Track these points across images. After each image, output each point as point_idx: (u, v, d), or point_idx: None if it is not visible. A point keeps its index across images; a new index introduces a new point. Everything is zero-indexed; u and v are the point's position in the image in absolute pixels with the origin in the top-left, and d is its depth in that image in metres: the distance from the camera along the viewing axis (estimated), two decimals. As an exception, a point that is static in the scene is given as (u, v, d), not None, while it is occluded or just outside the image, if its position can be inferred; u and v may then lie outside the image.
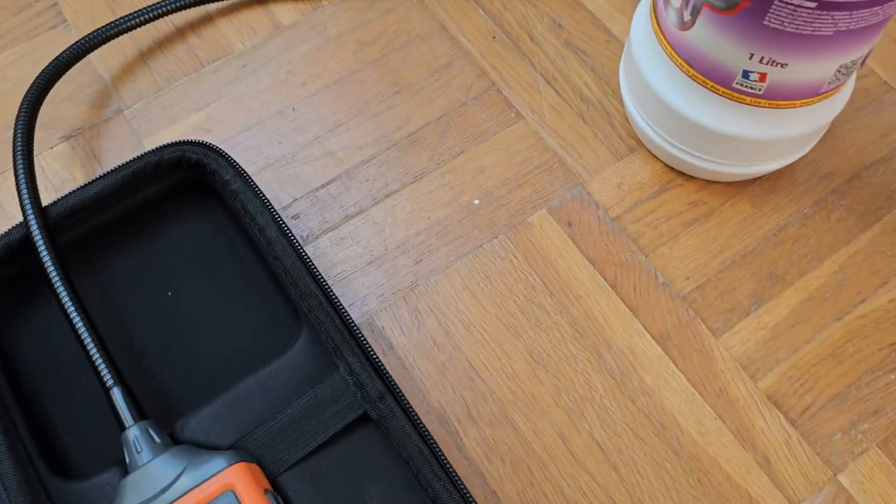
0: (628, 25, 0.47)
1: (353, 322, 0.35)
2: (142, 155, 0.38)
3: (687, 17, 0.35)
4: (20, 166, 0.38)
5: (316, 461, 0.34)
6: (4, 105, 0.45)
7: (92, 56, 0.47)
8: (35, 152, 0.44)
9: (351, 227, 0.42)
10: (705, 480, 0.36)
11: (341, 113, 0.45)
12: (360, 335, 0.35)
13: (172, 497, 0.30)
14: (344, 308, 0.35)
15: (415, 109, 0.45)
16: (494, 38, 0.47)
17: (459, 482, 0.33)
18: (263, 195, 0.38)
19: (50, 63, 0.42)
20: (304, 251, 0.36)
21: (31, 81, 0.42)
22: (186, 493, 0.30)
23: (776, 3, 0.31)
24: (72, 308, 0.35)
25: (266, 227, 0.37)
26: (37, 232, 0.36)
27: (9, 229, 0.37)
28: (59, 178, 0.43)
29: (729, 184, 0.43)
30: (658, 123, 0.41)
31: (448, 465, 0.33)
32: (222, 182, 0.38)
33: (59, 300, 0.35)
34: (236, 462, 0.31)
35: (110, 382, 0.33)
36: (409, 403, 0.34)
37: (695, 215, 0.42)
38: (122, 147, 0.44)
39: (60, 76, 0.43)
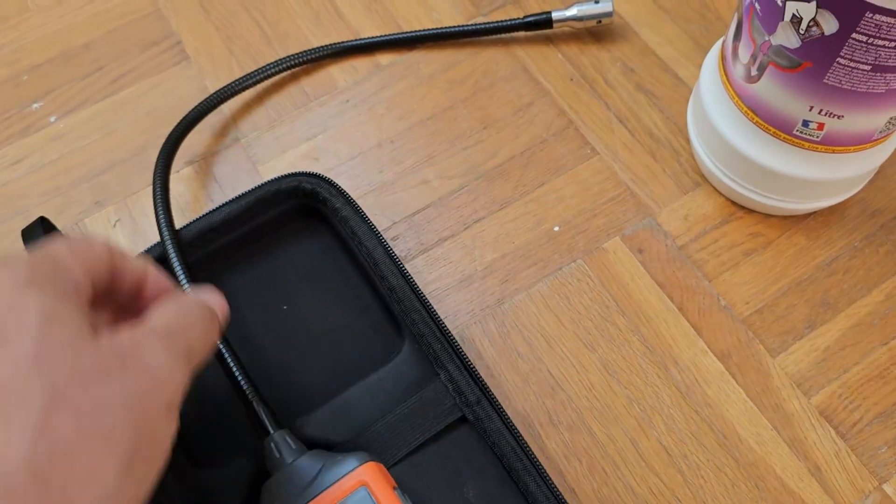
0: (694, 71, 0.52)
1: (451, 334, 0.40)
2: (262, 184, 0.44)
3: (754, 72, 0.40)
4: (159, 196, 0.44)
5: (420, 457, 0.39)
6: (137, 131, 0.51)
7: (211, 88, 0.53)
8: (163, 175, 0.50)
9: (444, 249, 0.47)
10: (762, 485, 0.41)
11: (434, 146, 0.50)
12: (458, 346, 0.40)
13: (316, 491, 0.34)
14: (443, 322, 0.40)
15: (501, 144, 0.50)
16: (572, 80, 0.52)
17: (548, 477, 0.37)
18: (370, 220, 0.43)
19: (192, 110, 0.49)
20: (407, 271, 0.41)
21: (175, 125, 0.48)
22: (327, 488, 0.34)
23: (835, 64, 0.36)
24: None
25: (373, 249, 0.42)
26: (172, 252, 0.42)
27: (148, 248, 0.43)
28: (184, 199, 0.49)
29: (785, 217, 0.47)
30: (722, 162, 0.45)
31: (538, 462, 0.38)
32: (333, 209, 0.43)
33: None
34: (367, 461, 0.35)
35: (252, 396, 0.38)
36: (502, 407, 0.39)
37: (754, 245, 0.47)
38: (239, 172, 0.50)
39: (198, 122, 0.49)
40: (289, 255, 0.45)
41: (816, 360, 0.44)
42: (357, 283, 0.44)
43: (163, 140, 0.48)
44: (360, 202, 0.48)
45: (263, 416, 0.37)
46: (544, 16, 0.52)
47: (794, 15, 0.36)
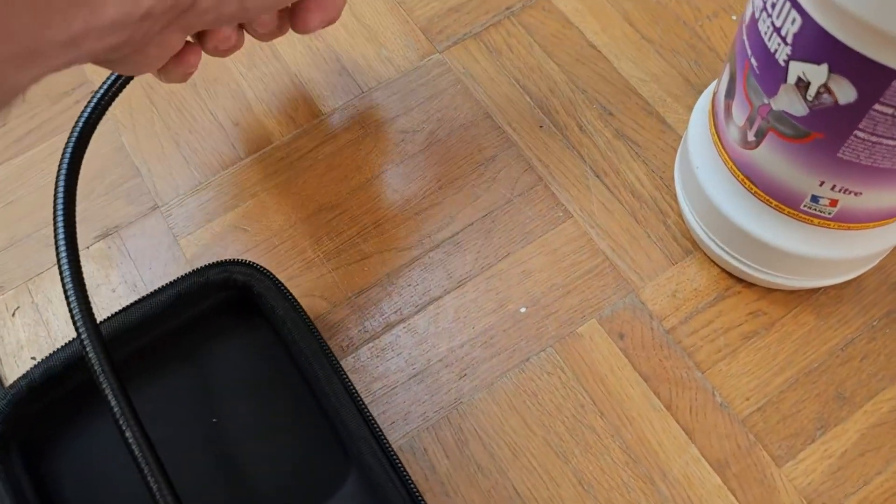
0: (683, 114, 0.45)
1: (407, 476, 0.34)
2: (187, 275, 0.37)
3: (751, 137, 0.33)
4: (67, 276, 0.36)
5: None
6: (42, 201, 0.45)
7: (128, 146, 0.46)
8: (71, 251, 0.43)
9: (392, 336, 0.40)
10: None
11: (381, 210, 0.43)
12: (416, 494, 0.33)
13: None
14: (397, 459, 0.34)
15: (459, 207, 0.43)
16: (541, 127, 0.45)
17: None
18: (311, 323, 0.36)
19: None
20: (354, 388, 0.35)
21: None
22: None
23: (852, 137, 0.29)
24: (130, 432, 0.33)
25: (315, 360, 0.35)
26: (93, 353, 0.34)
27: (59, 347, 0.36)
28: (94, 280, 0.42)
29: (791, 292, 0.40)
30: (715, 232, 0.39)
31: None
32: (269, 306, 0.37)
33: (117, 423, 0.33)
34: None
35: None
36: None
37: (754, 327, 0.40)
38: (157, 248, 0.43)
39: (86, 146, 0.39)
40: (219, 357, 0.39)
41: (831, 470, 0.37)
42: (298, 390, 0.38)
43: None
44: (295, 281, 0.42)
45: None
46: None
47: (799, 78, 0.29)
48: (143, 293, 0.42)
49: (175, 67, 0.33)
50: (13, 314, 0.42)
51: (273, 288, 0.37)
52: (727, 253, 0.39)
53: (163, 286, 0.37)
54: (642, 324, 0.40)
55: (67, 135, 0.45)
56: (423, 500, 0.33)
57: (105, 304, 0.42)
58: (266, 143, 0.46)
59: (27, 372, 0.35)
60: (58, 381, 0.36)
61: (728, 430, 0.38)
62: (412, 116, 0.46)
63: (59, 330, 0.41)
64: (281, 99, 0.47)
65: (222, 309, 0.38)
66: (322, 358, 0.35)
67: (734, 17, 0.47)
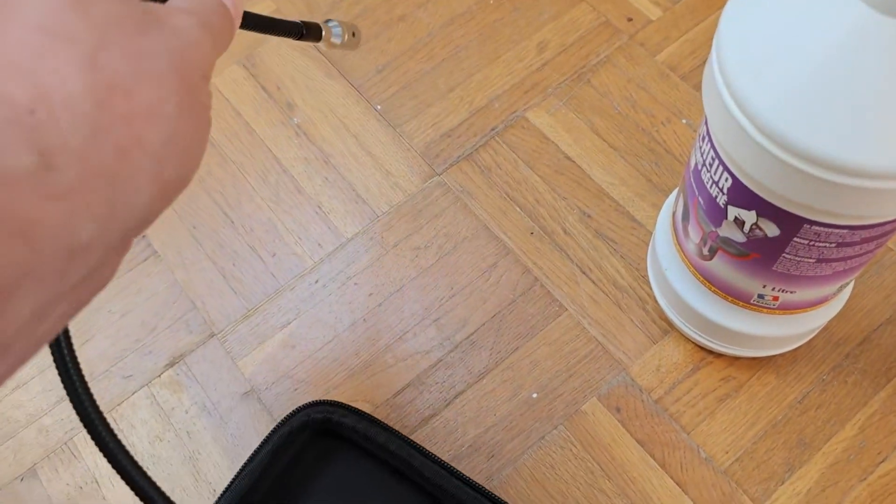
0: (649, 211, 0.53)
1: None
2: (274, 430, 0.44)
3: (705, 252, 0.41)
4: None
5: None
6: (115, 335, 0.52)
7: (181, 282, 0.54)
8: (145, 381, 0.51)
9: (429, 429, 0.48)
10: None
11: (406, 320, 0.51)
12: None
13: None
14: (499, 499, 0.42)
15: (471, 310, 0.51)
16: (532, 233, 0.53)
17: None
18: (391, 428, 0.43)
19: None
20: (450, 465, 0.42)
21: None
22: None
23: (782, 258, 0.37)
24: None
25: (410, 457, 0.42)
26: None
27: None
28: (169, 404, 0.50)
29: (754, 358, 0.49)
30: (685, 319, 0.47)
31: None
32: (351, 429, 0.44)
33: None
34: None
35: None
36: None
37: (727, 390, 0.48)
38: (220, 370, 0.51)
39: None
40: (321, 491, 0.45)
41: (800, 505, 0.45)
42: (392, 485, 0.44)
43: (139, 345, 0.48)
44: (339, 389, 0.49)
45: None
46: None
47: (736, 217, 0.37)
48: (212, 412, 0.50)
49: None
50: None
51: (349, 414, 0.44)
52: (697, 334, 0.47)
53: (257, 448, 0.43)
54: (634, 397, 0.48)
55: (118, 279, 0.53)
56: None
57: (182, 426, 0.49)
58: (300, 268, 0.54)
59: None
60: None
61: (713, 480, 0.46)
62: (422, 234, 0.54)
63: (144, 449, 0.49)
64: (308, 228, 0.55)
65: (308, 443, 0.45)
66: (412, 449, 0.42)
67: (684, 122, 0.56)
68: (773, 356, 0.49)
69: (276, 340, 0.51)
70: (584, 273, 0.52)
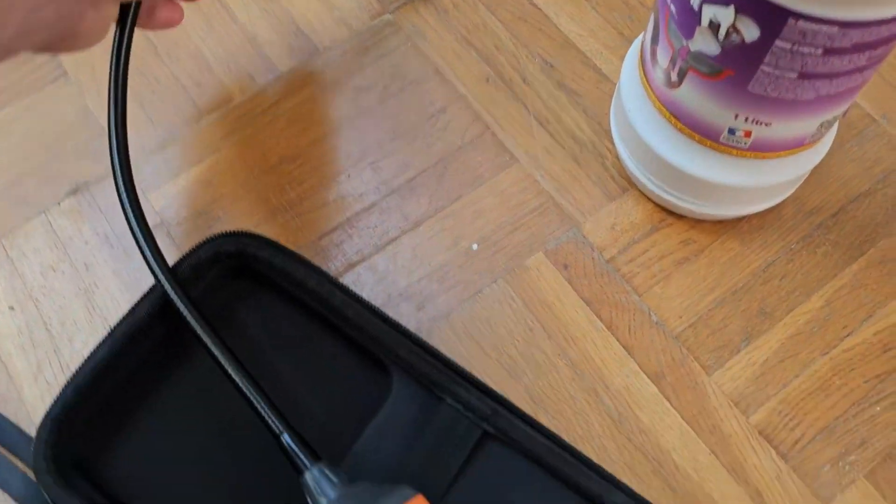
0: (618, 64, 0.48)
1: (444, 356, 0.38)
2: (178, 262, 0.39)
3: (674, 77, 0.37)
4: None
5: (458, 490, 0.37)
6: (13, 158, 0.47)
7: (93, 108, 0.48)
8: (43, 208, 0.45)
9: (354, 275, 0.43)
10: (701, 516, 0.38)
11: (341, 161, 0.46)
12: (457, 366, 0.38)
13: None
14: (433, 346, 0.38)
15: (413, 155, 0.46)
16: (488, 80, 0.48)
17: (596, 465, 0.37)
18: (313, 265, 0.39)
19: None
20: (373, 305, 0.38)
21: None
22: None
23: (759, 72, 0.33)
24: (229, 363, 0.35)
25: (330, 296, 0.38)
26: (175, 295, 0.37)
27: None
28: (67, 233, 0.45)
29: (718, 222, 0.44)
30: (648, 169, 0.42)
31: (580, 454, 0.37)
32: (267, 263, 0.39)
33: (213, 357, 0.36)
34: (414, 495, 0.32)
35: (279, 429, 0.34)
36: (521, 410, 0.37)
37: (685, 254, 0.44)
38: (128, 201, 0.45)
39: None
40: (236, 329, 0.40)
41: (754, 376, 0.41)
42: (316, 335, 0.40)
43: (40, 170, 0.43)
44: (260, 228, 0.44)
45: (296, 448, 0.34)
46: None
47: (711, 21, 0.32)
48: (115, 245, 0.44)
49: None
50: (-8, 269, 0.44)
51: (265, 246, 0.39)
52: (659, 187, 0.42)
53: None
54: (584, 255, 0.44)
55: (23, 100, 0.47)
56: (471, 374, 0.38)
57: (79, 257, 0.44)
58: (227, 101, 0.48)
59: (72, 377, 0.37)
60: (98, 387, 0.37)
61: (663, 345, 0.42)
62: (366, 74, 0.49)
63: (35, 281, 0.44)
64: (239, 59, 0.49)
65: (217, 284, 0.40)
66: (336, 290, 0.38)
67: (662, -26, 0.51)
68: (738, 221, 0.44)
69: (192, 174, 0.46)
70: (540, 124, 0.47)
